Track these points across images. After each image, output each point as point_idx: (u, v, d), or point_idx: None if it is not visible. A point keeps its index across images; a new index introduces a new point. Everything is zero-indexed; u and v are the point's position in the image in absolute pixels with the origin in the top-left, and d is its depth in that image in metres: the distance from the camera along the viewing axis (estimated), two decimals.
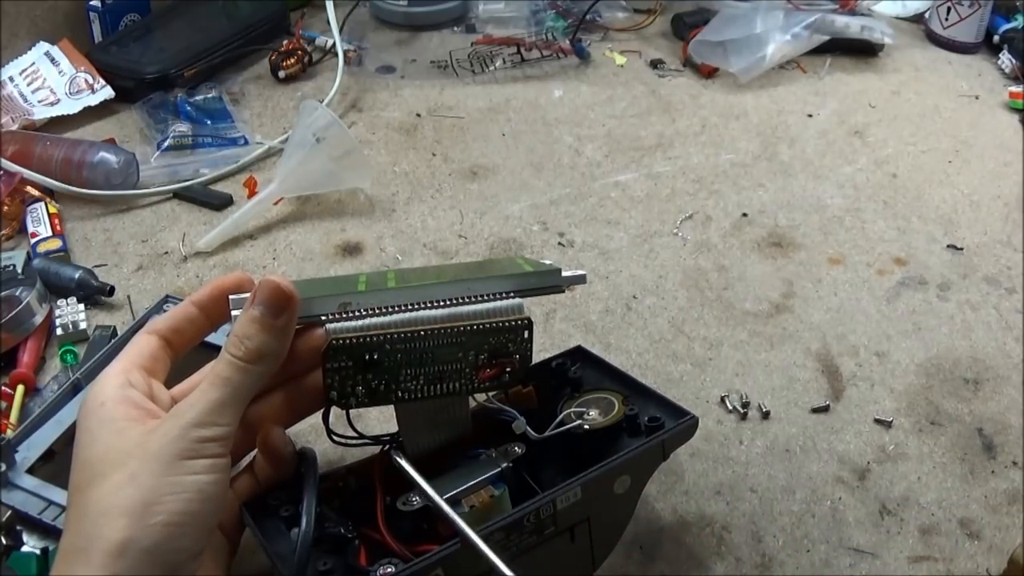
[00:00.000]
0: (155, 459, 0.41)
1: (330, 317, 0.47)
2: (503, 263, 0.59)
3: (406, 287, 0.49)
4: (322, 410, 0.50)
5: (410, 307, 0.48)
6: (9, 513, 0.55)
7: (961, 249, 0.83)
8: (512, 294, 0.50)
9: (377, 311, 0.48)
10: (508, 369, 0.49)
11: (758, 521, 0.59)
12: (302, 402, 0.50)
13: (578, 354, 0.58)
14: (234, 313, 0.47)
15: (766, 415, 0.66)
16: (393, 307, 0.48)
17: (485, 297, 0.49)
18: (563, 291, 0.52)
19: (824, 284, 0.78)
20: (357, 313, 0.47)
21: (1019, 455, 0.63)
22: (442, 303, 0.48)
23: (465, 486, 0.48)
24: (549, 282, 0.51)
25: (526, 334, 0.49)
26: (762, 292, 0.77)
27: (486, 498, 0.47)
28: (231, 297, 0.48)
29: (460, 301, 0.49)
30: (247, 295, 0.48)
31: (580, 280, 0.52)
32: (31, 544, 0.54)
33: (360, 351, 0.47)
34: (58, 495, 0.56)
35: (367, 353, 0.47)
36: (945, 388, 0.69)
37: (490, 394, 0.51)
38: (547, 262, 0.56)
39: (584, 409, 0.53)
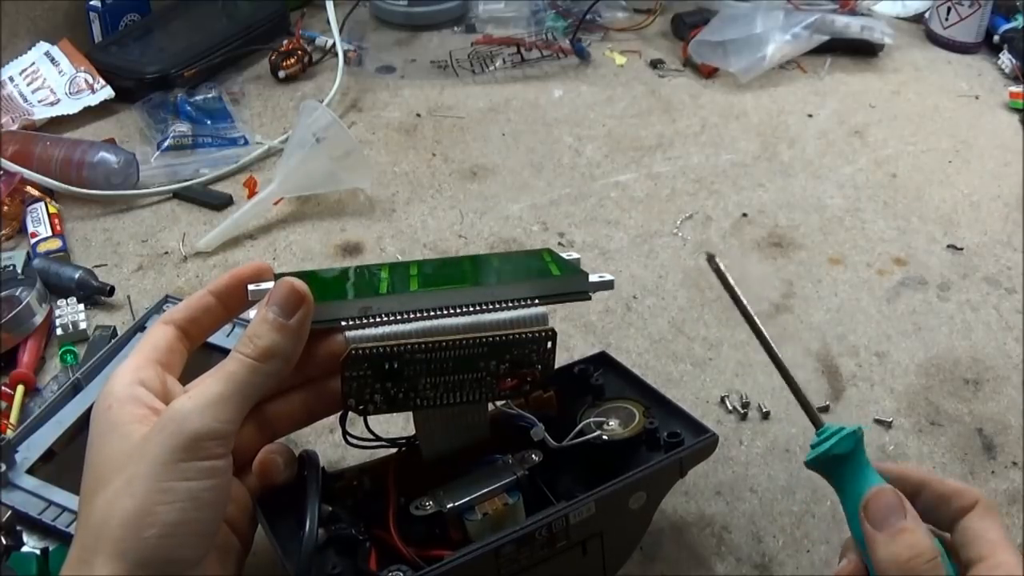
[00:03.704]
0: (150, 462, 0.41)
1: (350, 322, 0.47)
2: (530, 258, 0.58)
3: (428, 291, 0.48)
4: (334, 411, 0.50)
5: (432, 313, 0.47)
6: (9, 513, 0.55)
7: (961, 249, 0.83)
8: (536, 301, 0.49)
9: (398, 317, 0.47)
10: (529, 379, 0.49)
11: (758, 521, 0.59)
12: (320, 404, 0.50)
13: (601, 360, 0.58)
14: (251, 306, 0.47)
15: (766, 415, 0.66)
16: (415, 312, 0.47)
17: (508, 304, 0.48)
18: (589, 298, 0.51)
19: (824, 284, 0.78)
20: (378, 319, 0.47)
21: (1019, 455, 0.63)
22: (465, 309, 0.48)
23: (479, 492, 0.47)
24: (575, 288, 0.50)
25: (549, 345, 0.48)
26: (762, 292, 0.77)
27: (500, 506, 0.47)
28: (249, 287, 0.48)
29: (483, 308, 0.48)
30: (266, 285, 0.48)
31: (608, 286, 0.51)
32: (31, 544, 0.54)
33: (380, 361, 0.46)
34: (58, 495, 0.56)
35: (387, 363, 0.46)
36: (945, 388, 0.69)
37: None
38: (574, 255, 0.55)
39: (604, 419, 0.52)
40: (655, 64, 1.12)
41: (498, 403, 0.51)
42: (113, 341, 0.68)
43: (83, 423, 0.60)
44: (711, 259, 0.47)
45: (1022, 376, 0.70)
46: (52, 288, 0.74)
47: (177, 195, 0.88)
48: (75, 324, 0.71)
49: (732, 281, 0.47)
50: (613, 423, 0.52)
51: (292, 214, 0.86)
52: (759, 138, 0.99)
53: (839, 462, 0.44)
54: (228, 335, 0.65)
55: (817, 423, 0.46)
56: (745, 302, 0.47)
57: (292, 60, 1.07)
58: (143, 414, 0.43)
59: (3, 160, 0.85)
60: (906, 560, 0.40)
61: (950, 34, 1.17)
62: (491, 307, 0.48)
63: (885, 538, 0.41)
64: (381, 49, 1.14)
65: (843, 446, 0.44)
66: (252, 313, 0.49)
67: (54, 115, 0.97)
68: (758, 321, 0.47)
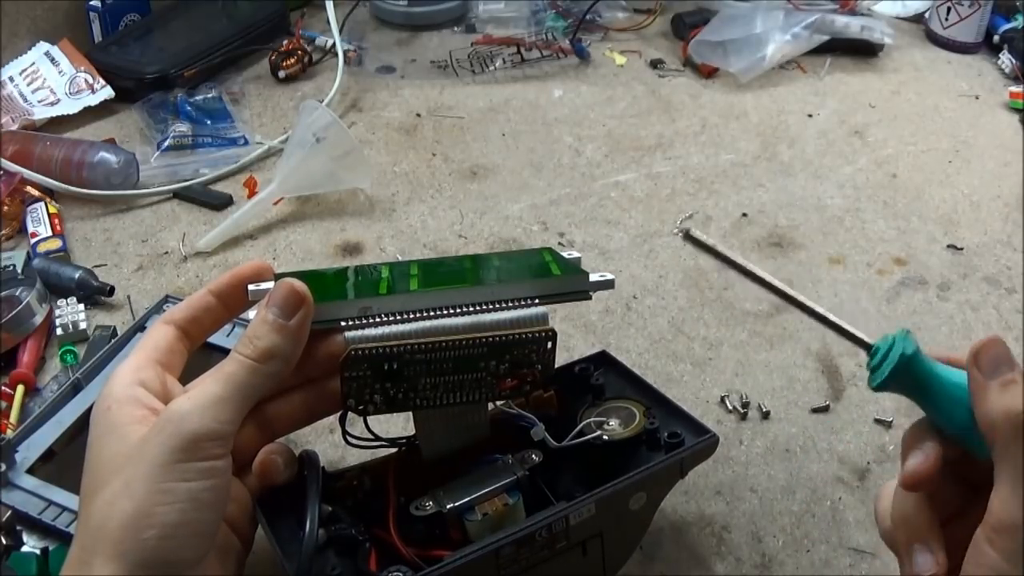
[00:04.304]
0: (149, 463, 0.41)
1: (350, 323, 0.47)
2: (530, 257, 0.58)
3: (428, 291, 0.48)
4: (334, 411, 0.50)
5: (432, 313, 0.47)
6: (9, 513, 0.55)
7: (961, 249, 0.83)
8: (537, 301, 0.49)
9: (398, 317, 0.47)
10: (530, 379, 0.49)
11: (758, 521, 0.59)
12: (320, 404, 0.50)
13: (601, 359, 0.58)
14: (251, 306, 0.47)
15: (766, 415, 0.66)
16: (414, 312, 0.47)
17: (509, 304, 0.48)
18: (590, 298, 0.51)
19: (824, 284, 0.78)
20: (378, 319, 0.47)
21: None
22: (465, 309, 0.48)
23: (479, 493, 0.47)
24: (576, 287, 0.50)
25: (549, 345, 0.48)
26: (762, 292, 0.77)
27: (500, 506, 0.47)
28: (249, 287, 0.48)
29: (483, 308, 0.48)
30: (266, 285, 0.48)
31: (608, 285, 0.50)
32: (31, 544, 0.54)
33: (379, 361, 0.46)
34: (58, 495, 0.56)
35: (386, 363, 0.46)
36: None
37: None
38: (575, 254, 0.55)
39: (604, 419, 0.52)
40: (655, 64, 1.12)
41: (498, 403, 0.51)
42: (113, 341, 0.68)
43: (83, 423, 0.60)
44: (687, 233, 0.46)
45: (1022, 376, 0.69)
46: (52, 288, 0.74)
47: (177, 195, 0.88)
48: (75, 324, 0.71)
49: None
50: (613, 423, 0.52)
51: (292, 214, 0.86)
52: (759, 138, 0.99)
53: (909, 366, 0.42)
54: (228, 335, 0.65)
55: (866, 345, 0.45)
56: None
57: (292, 60, 1.07)
58: (142, 415, 0.43)
59: (3, 160, 0.85)
60: (1020, 412, 0.38)
61: (950, 34, 1.17)
62: (491, 307, 0.48)
63: (997, 387, 0.39)
64: (381, 49, 1.14)
65: (909, 346, 0.42)
66: (252, 313, 0.49)
67: (54, 115, 0.97)
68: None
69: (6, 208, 0.82)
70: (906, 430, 0.43)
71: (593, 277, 0.50)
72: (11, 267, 0.77)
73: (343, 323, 0.47)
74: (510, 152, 0.96)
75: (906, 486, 0.41)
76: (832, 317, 0.47)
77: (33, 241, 0.80)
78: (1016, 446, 0.38)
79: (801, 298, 0.49)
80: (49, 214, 0.82)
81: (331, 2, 1.10)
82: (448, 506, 0.46)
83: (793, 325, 0.74)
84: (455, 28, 1.17)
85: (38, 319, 0.71)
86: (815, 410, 0.67)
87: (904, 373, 0.42)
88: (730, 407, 0.66)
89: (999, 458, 0.38)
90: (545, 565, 0.47)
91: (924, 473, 0.41)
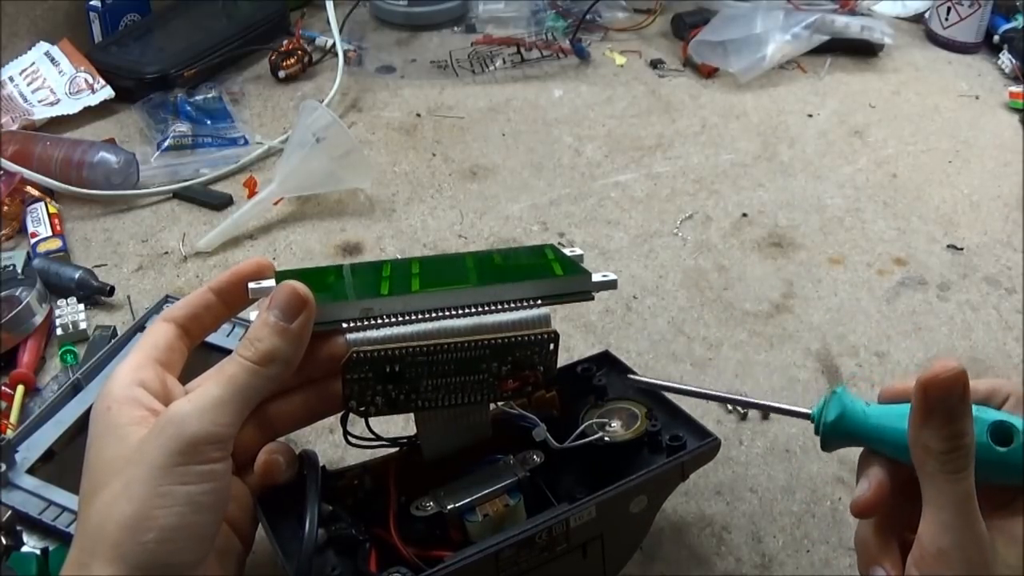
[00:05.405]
0: (148, 465, 0.41)
1: (351, 324, 0.47)
2: (532, 256, 0.58)
3: (429, 291, 0.48)
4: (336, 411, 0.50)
5: (433, 314, 0.47)
6: (9, 513, 0.55)
7: (961, 249, 0.83)
8: (539, 301, 0.49)
9: (399, 318, 0.47)
10: (531, 380, 0.48)
11: (758, 521, 0.59)
12: (321, 405, 0.50)
13: (604, 359, 0.57)
14: (252, 304, 0.47)
15: (766, 415, 0.66)
16: (416, 314, 0.47)
17: (511, 305, 0.48)
18: (592, 299, 0.51)
19: (824, 284, 0.78)
20: (379, 320, 0.47)
21: None
22: (466, 310, 0.48)
23: (480, 493, 0.47)
24: (578, 288, 0.50)
25: (552, 347, 0.48)
26: (762, 292, 0.77)
27: (500, 507, 0.47)
28: (250, 286, 0.48)
29: (485, 309, 0.48)
30: (266, 283, 0.48)
31: (610, 286, 0.50)
32: (31, 544, 0.54)
33: (381, 364, 0.46)
34: (58, 495, 0.56)
35: (388, 365, 0.46)
36: None
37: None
38: (577, 251, 0.55)
39: (606, 420, 0.52)
40: (655, 64, 1.12)
41: (499, 403, 0.51)
42: (113, 341, 0.68)
43: (83, 423, 0.60)
44: None
45: (1022, 376, 0.70)
46: (52, 288, 0.74)
47: (177, 195, 0.88)
48: (75, 324, 0.71)
49: None
50: (616, 424, 0.52)
51: (292, 214, 0.86)
52: (759, 138, 0.99)
53: (836, 431, 0.44)
54: (228, 335, 0.65)
55: (804, 415, 0.47)
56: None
57: (292, 60, 1.07)
58: (142, 416, 0.43)
59: (3, 160, 0.85)
60: (939, 448, 0.39)
61: (950, 34, 1.17)
62: (493, 308, 0.48)
63: (935, 426, 0.39)
64: (381, 49, 1.14)
65: (831, 412, 0.44)
66: (252, 313, 0.49)
67: (54, 115, 0.97)
68: None
69: (6, 208, 0.83)
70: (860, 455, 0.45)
71: (595, 277, 0.50)
72: (11, 267, 0.77)
73: (345, 324, 0.47)
74: (510, 152, 0.96)
75: (854, 514, 0.43)
76: (769, 403, 0.50)
77: (33, 241, 0.80)
78: (939, 478, 0.39)
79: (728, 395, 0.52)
80: (49, 214, 0.82)
81: (331, 2, 1.10)
82: (449, 506, 0.46)
83: (793, 325, 0.74)
84: (455, 28, 1.17)
85: (38, 319, 0.71)
86: None
87: (835, 437, 0.45)
88: (730, 407, 0.66)
89: (923, 488, 0.40)
90: (545, 567, 0.47)
91: (868, 501, 0.43)
